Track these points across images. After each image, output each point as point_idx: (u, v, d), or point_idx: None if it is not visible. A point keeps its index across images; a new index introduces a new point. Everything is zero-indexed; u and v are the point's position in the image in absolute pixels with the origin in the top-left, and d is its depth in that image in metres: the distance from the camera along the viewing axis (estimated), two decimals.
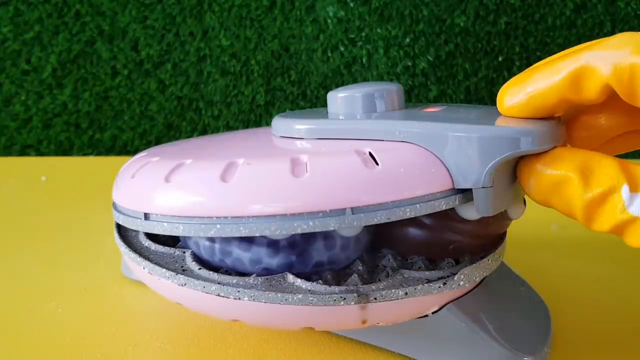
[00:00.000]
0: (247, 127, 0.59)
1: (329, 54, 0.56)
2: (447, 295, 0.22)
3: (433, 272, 0.23)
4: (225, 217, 0.21)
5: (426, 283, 0.22)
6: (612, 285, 0.32)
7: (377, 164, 0.21)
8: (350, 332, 0.26)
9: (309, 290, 0.21)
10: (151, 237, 0.26)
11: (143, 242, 0.26)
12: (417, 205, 0.21)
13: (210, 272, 0.23)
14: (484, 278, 0.24)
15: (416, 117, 0.23)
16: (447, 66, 0.55)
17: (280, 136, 0.25)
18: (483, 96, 0.56)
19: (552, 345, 0.25)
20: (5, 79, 0.59)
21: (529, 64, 0.45)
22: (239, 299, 0.21)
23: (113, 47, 0.58)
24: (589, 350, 0.26)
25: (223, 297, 0.22)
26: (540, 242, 0.37)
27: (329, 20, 0.56)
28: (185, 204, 0.22)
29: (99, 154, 0.60)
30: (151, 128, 0.59)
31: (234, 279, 0.22)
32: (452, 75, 0.55)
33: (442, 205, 0.21)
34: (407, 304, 0.22)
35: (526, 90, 0.21)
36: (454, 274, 0.22)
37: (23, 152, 0.60)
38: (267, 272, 0.23)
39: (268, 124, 0.58)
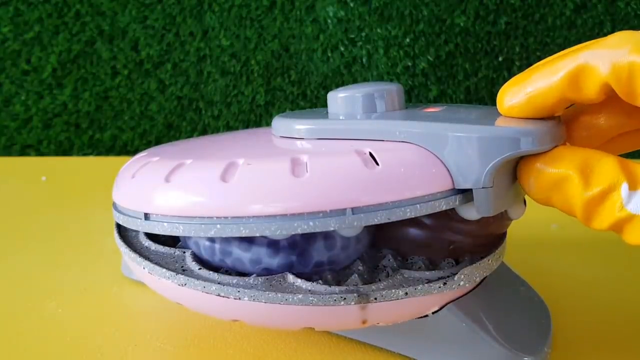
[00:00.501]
0: (247, 127, 0.59)
1: (329, 54, 0.56)
2: (447, 295, 0.22)
3: (433, 272, 0.23)
4: (226, 217, 0.21)
5: (426, 283, 0.22)
6: (612, 285, 0.32)
7: (377, 164, 0.21)
8: (350, 332, 0.26)
9: (309, 290, 0.21)
10: (151, 237, 0.26)
11: (143, 242, 0.26)
12: (417, 205, 0.21)
13: (210, 272, 0.23)
14: (484, 278, 0.24)
15: (416, 117, 0.23)
16: (447, 66, 0.55)
17: (281, 136, 0.25)
18: (483, 96, 0.56)
19: (552, 345, 0.25)
20: (5, 79, 0.59)
21: (529, 64, 0.45)
22: (239, 299, 0.21)
23: (113, 47, 0.58)
24: (589, 350, 0.26)
25: (223, 297, 0.22)
26: (540, 242, 0.37)
27: (329, 20, 0.56)
28: (186, 204, 0.22)
29: (99, 154, 0.60)
30: (151, 128, 0.59)
31: (234, 279, 0.22)
32: (452, 75, 0.55)
33: (442, 206, 0.21)
34: (407, 304, 0.22)
35: (526, 90, 0.21)
36: (454, 274, 0.22)
37: (23, 152, 0.60)
38: (267, 272, 0.23)
39: (268, 124, 0.58)
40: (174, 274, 0.23)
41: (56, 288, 0.32)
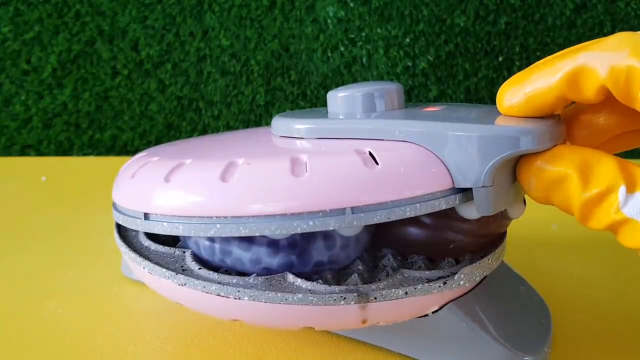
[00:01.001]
0: (247, 127, 0.59)
1: (329, 54, 0.56)
2: (447, 294, 0.22)
3: (433, 271, 0.23)
4: (225, 217, 0.21)
5: (426, 282, 0.22)
6: (612, 285, 0.32)
7: (377, 163, 0.21)
8: (350, 332, 0.26)
9: (309, 290, 0.21)
10: (151, 237, 0.26)
11: (143, 242, 0.26)
12: (417, 204, 0.21)
13: (210, 272, 0.23)
14: (484, 277, 0.24)
15: (416, 116, 0.23)
16: (447, 66, 0.55)
17: (280, 136, 0.25)
18: (483, 96, 0.56)
19: (552, 345, 0.25)
20: (5, 79, 0.59)
21: (529, 64, 0.45)
22: (239, 298, 0.21)
23: (113, 47, 0.58)
24: (589, 350, 0.26)
25: (223, 296, 0.22)
26: (540, 242, 0.37)
27: (329, 20, 0.56)
28: (185, 204, 0.22)
29: (99, 154, 0.60)
30: (151, 128, 0.59)
31: (234, 279, 0.22)
32: (452, 75, 0.55)
33: (442, 205, 0.21)
34: (407, 303, 0.22)
35: (525, 90, 0.21)
36: (454, 274, 0.22)
37: (23, 152, 0.60)
38: (267, 271, 0.23)
39: (268, 124, 0.58)
40: (174, 273, 0.23)
41: (56, 288, 0.32)
